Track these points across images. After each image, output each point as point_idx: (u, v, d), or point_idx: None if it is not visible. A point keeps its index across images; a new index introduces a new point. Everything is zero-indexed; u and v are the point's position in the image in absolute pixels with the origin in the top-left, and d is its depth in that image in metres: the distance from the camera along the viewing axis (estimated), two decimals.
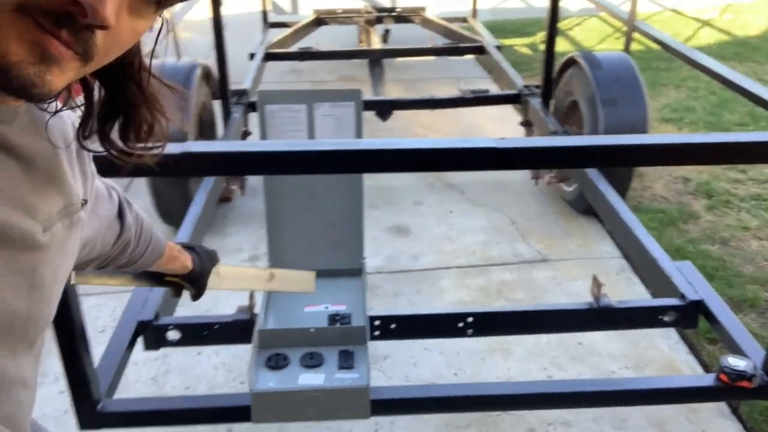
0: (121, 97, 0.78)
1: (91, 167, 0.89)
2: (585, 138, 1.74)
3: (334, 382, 1.70)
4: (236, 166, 1.56)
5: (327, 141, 1.81)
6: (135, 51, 0.76)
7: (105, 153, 0.82)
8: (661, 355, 2.74)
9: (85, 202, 0.84)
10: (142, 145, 0.82)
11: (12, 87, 0.60)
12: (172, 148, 1.56)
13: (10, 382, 0.73)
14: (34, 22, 0.58)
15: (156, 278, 1.41)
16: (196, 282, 1.45)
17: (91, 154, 0.86)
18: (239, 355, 2.74)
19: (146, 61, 0.79)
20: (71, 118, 0.84)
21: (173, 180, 3.31)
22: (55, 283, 0.79)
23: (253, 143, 1.70)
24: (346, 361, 1.76)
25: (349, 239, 2.11)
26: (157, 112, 0.81)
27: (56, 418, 2.41)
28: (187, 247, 1.45)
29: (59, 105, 0.79)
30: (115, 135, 0.82)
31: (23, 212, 0.70)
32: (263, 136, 2.03)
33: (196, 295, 1.50)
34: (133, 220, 1.13)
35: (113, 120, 0.80)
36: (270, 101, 1.98)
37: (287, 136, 2.02)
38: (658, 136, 2.11)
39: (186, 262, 1.39)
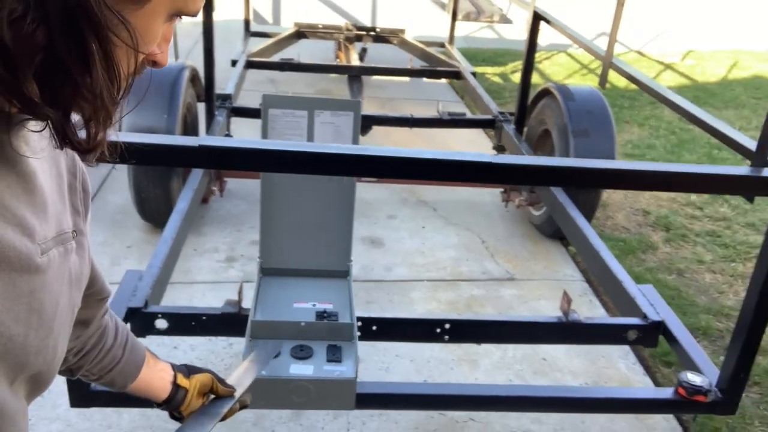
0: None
1: (85, 205, 0.87)
2: (578, 160, 1.88)
3: (323, 373, 1.78)
4: (252, 162, 1.64)
5: (338, 146, 1.92)
6: None
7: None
8: (619, 374, 2.89)
9: (75, 233, 0.82)
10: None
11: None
12: (189, 141, 1.64)
13: (9, 411, 0.72)
14: None
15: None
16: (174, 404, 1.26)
17: (83, 192, 0.87)
18: (216, 351, 2.80)
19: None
20: (70, 150, 0.83)
21: (155, 177, 3.36)
22: (57, 313, 0.77)
23: (268, 142, 1.79)
24: (334, 355, 1.85)
25: (338, 242, 2.21)
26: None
27: (45, 398, 2.42)
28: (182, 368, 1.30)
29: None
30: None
31: (21, 232, 0.69)
32: (264, 138, 2.11)
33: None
34: (110, 315, 1.13)
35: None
36: (273, 105, 2.07)
37: (287, 139, 2.11)
38: (638, 163, 2.28)
39: (165, 374, 1.24)
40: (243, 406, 1.38)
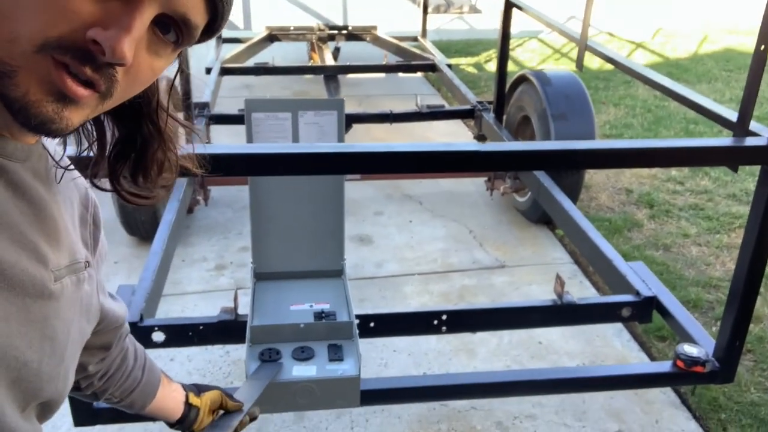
0: (137, 137, 0.78)
1: (94, 238, 0.88)
2: (562, 142, 1.90)
3: (326, 373, 1.78)
4: (238, 167, 1.64)
5: (325, 144, 1.92)
6: (152, 90, 0.77)
7: (114, 192, 0.80)
8: (615, 351, 2.92)
9: (87, 264, 0.83)
10: (149, 185, 0.81)
11: (31, 124, 0.62)
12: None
13: None
14: (53, 62, 0.60)
15: None
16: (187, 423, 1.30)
17: (93, 226, 0.88)
18: (213, 360, 2.79)
19: (164, 100, 0.80)
20: (83, 183, 0.86)
21: None
22: (69, 341, 0.77)
23: (253, 146, 1.79)
24: (336, 354, 1.85)
25: (330, 242, 2.21)
26: (170, 152, 0.80)
27: None
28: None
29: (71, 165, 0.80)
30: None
31: (35, 259, 0.70)
32: (249, 142, 2.11)
33: None
34: (130, 338, 1.16)
35: (125, 160, 0.79)
36: (257, 109, 2.06)
37: (272, 142, 2.11)
38: (621, 141, 2.31)
39: (177, 394, 1.27)
40: (252, 419, 1.42)
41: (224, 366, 2.78)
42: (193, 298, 3.25)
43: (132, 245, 3.63)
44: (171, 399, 1.25)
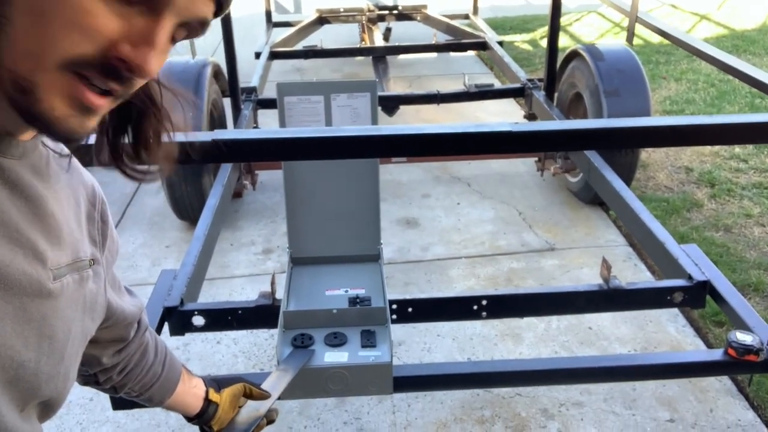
0: (131, 109, 0.76)
1: (103, 235, 0.87)
2: (593, 121, 1.80)
3: (358, 359, 1.76)
4: (269, 152, 1.62)
5: (355, 128, 1.89)
6: None
7: (117, 169, 0.79)
8: (669, 338, 2.81)
9: (93, 261, 0.82)
10: (152, 158, 0.79)
11: (57, 137, 0.65)
12: (203, 136, 1.63)
13: None
14: (76, 76, 0.61)
15: None
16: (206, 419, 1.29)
17: (101, 222, 0.87)
18: (258, 343, 2.81)
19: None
20: (90, 179, 0.86)
21: (187, 175, 3.38)
22: (69, 340, 0.76)
23: (282, 130, 1.76)
24: (369, 340, 1.83)
25: (366, 226, 2.18)
26: (167, 122, 0.79)
27: (82, 405, 2.48)
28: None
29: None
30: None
31: (33, 257, 0.69)
32: (282, 126, 2.09)
33: None
34: (150, 332, 1.15)
35: (123, 133, 0.78)
36: (289, 93, 2.04)
37: (305, 126, 2.09)
38: (665, 118, 2.16)
39: (197, 389, 1.27)
40: (270, 421, 1.40)
41: (269, 349, 2.79)
42: (241, 281, 3.28)
43: (182, 230, 3.69)
44: (191, 394, 1.24)
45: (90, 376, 1.08)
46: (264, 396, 1.38)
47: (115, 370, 1.09)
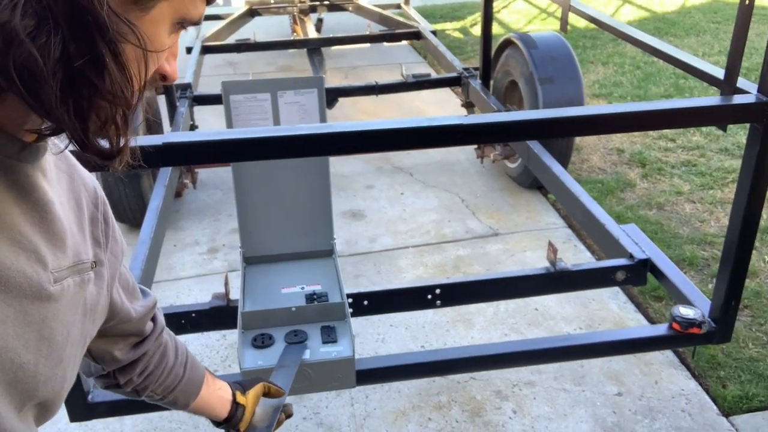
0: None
1: (106, 236, 0.87)
2: (544, 111, 1.85)
3: (320, 356, 1.77)
4: (223, 154, 1.60)
5: (309, 126, 1.88)
6: None
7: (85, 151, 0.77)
8: (612, 314, 2.92)
9: (95, 263, 0.83)
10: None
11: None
12: (152, 140, 1.60)
13: None
14: None
15: None
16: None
17: (104, 223, 0.86)
18: (210, 345, 2.78)
19: None
20: (92, 181, 0.86)
21: (125, 176, 3.30)
22: (68, 342, 0.77)
23: (236, 131, 1.74)
24: (329, 336, 1.84)
25: (318, 222, 2.18)
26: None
27: None
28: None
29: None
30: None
31: (34, 259, 0.70)
32: (229, 126, 2.07)
33: None
34: (168, 332, 1.14)
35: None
36: (235, 91, 2.02)
37: (253, 125, 2.07)
38: (614, 106, 2.22)
39: (223, 392, 1.27)
40: (288, 416, 1.42)
41: (221, 350, 2.77)
42: (187, 282, 3.23)
43: (122, 233, 3.59)
44: (216, 398, 1.24)
45: (110, 378, 1.08)
46: (280, 393, 1.40)
47: (135, 372, 1.08)
